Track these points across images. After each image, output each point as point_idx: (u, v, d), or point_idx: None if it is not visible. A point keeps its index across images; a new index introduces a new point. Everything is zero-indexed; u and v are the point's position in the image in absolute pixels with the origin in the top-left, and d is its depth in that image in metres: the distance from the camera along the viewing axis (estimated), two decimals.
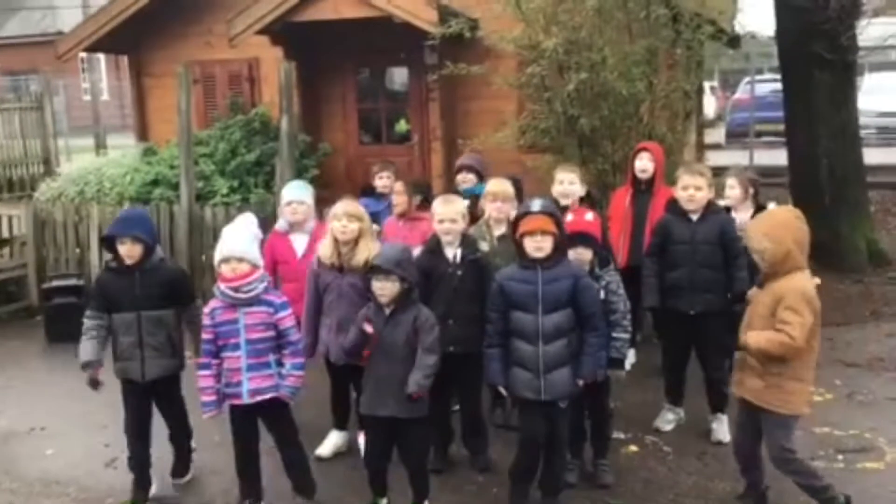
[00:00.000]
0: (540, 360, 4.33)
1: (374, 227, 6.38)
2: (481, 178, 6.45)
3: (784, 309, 4.05)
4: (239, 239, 4.49)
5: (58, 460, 5.52)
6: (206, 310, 4.49)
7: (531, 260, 4.37)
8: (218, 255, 4.45)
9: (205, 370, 4.48)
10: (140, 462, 4.93)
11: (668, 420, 5.63)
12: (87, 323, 4.85)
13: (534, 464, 4.57)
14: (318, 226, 5.63)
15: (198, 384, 4.51)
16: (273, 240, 5.64)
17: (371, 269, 4.34)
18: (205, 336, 4.48)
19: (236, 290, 4.39)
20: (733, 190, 5.92)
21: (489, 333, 4.51)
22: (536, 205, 4.42)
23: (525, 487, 4.62)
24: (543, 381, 4.34)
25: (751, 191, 5.96)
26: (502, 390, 4.53)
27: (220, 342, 4.45)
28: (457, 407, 5.31)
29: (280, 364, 4.48)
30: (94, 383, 4.88)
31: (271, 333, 4.45)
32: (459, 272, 4.91)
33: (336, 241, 4.98)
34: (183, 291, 4.90)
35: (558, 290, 4.34)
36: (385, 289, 4.28)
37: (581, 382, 4.44)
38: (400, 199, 5.90)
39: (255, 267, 4.45)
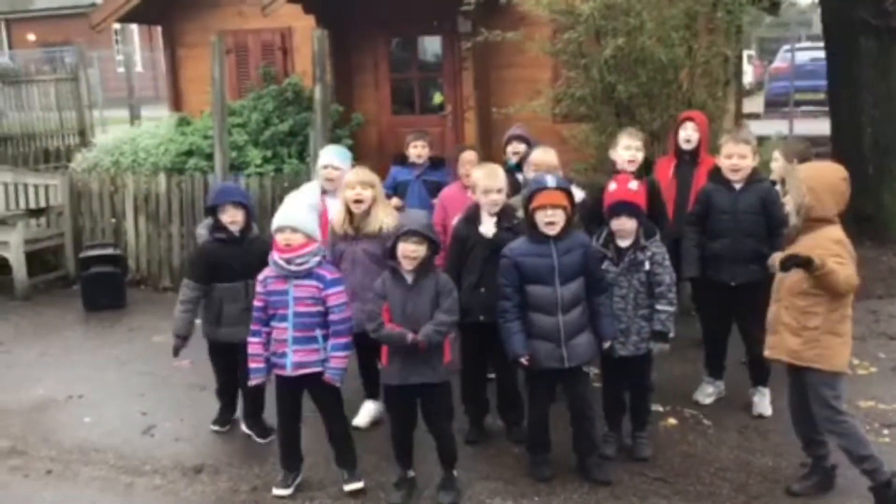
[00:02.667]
0: (561, 329, 4.41)
1: (395, 200, 6.37)
2: (530, 146, 6.37)
3: (827, 250, 3.96)
4: (295, 208, 4.47)
5: (95, 428, 5.57)
6: (260, 277, 4.49)
7: (543, 234, 4.40)
8: (274, 223, 4.44)
9: (255, 337, 4.49)
10: (228, 395, 5.37)
11: (707, 393, 5.54)
12: (187, 294, 5.09)
13: (544, 436, 4.68)
14: None
15: (248, 350, 4.52)
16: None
17: (403, 234, 4.27)
18: (256, 303, 4.49)
19: (288, 261, 4.36)
20: (776, 163, 5.78)
21: (505, 308, 4.52)
22: (551, 180, 4.46)
23: (544, 455, 4.71)
24: (566, 349, 4.42)
25: (794, 163, 5.81)
26: (524, 361, 4.52)
27: (269, 311, 4.44)
28: (492, 376, 5.26)
29: (326, 339, 4.44)
30: (177, 352, 5.19)
31: (319, 308, 4.41)
32: (494, 241, 4.83)
33: (349, 209, 4.99)
34: None
35: (572, 261, 4.43)
36: (417, 252, 4.26)
37: (607, 344, 4.55)
38: (471, 170, 5.75)
39: (310, 239, 4.40)
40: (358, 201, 4.96)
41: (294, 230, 4.36)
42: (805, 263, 3.91)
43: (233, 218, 5.03)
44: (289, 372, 4.43)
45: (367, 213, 4.97)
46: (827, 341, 4.09)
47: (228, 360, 5.20)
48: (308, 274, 4.40)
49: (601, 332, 4.52)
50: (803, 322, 4.10)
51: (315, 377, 4.45)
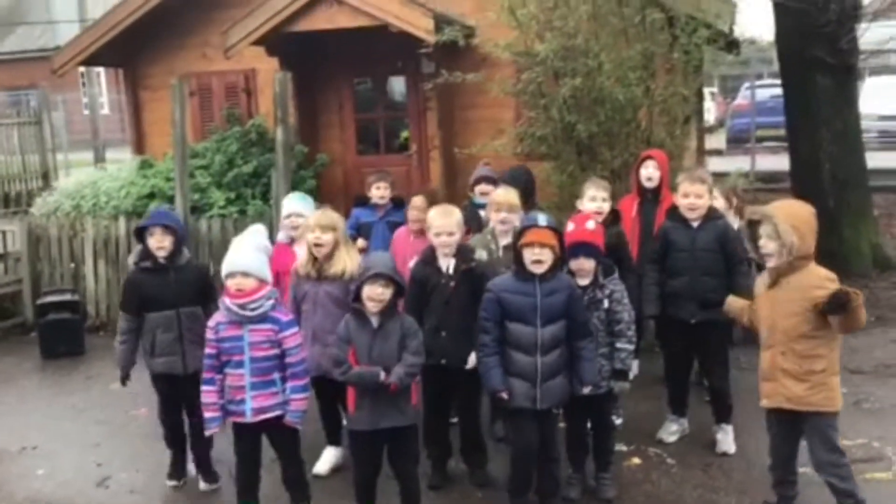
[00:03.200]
0: (538, 370, 4.38)
1: (360, 241, 6.34)
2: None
3: (825, 289, 3.94)
4: (245, 252, 4.37)
5: (49, 480, 5.42)
6: (210, 324, 4.38)
7: (529, 272, 4.36)
8: (223, 269, 4.35)
9: (208, 385, 4.36)
10: (177, 442, 5.20)
11: (671, 431, 5.51)
12: (123, 325, 5.04)
13: (529, 475, 4.57)
14: None
15: (201, 399, 4.40)
16: (277, 251, 5.59)
17: (370, 277, 4.22)
18: (208, 351, 4.37)
19: (242, 307, 4.27)
20: (716, 201, 5.86)
21: (484, 342, 4.47)
22: (542, 219, 4.45)
23: (525, 500, 4.60)
24: (540, 390, 4.39)
25: (734, 202, 5.93)
26: (504, 396, 4.45)
27: (223, 357, 4.34)
28: (455, 420, 5.20)
29: (284, 381, 4.35)
30: (124, 382, 5.15)
31: (276, 351, 4.32)
32: (452, 283, 4.82)
33: (311, 251, 4.95)
34: (211, 289, 4.96)
35: (556, 303, 4.40)
36: (384, 294, 4.21)
37: (587, 390, 4.48)
38: (419, 215, 5.72)
39: (262, 282, 4.32)
40: (318, 245, 4.93)
41: (245, 275, 4.27)
42: (847, 301, 3.81)
43: (160, 243, 4.87)
44: (248, 418, 4.33)
45: (331, 255, 4.94)
46: (832, 382, 4.08)
47: (169, 391, 5.08)
48: (262, 318, 4.31)
49: (581, 376, 4.47)
50: (807, 366, 4.04)
51: (274, 421, 4.36)
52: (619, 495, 4.79)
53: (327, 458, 5.28)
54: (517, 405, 4.43)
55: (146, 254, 4.95)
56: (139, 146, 11.50)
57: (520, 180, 6.07)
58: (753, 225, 4.29)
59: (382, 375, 4.17)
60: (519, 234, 4.49)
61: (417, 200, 5.87)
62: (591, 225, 4.68)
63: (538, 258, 4.34)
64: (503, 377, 4.43)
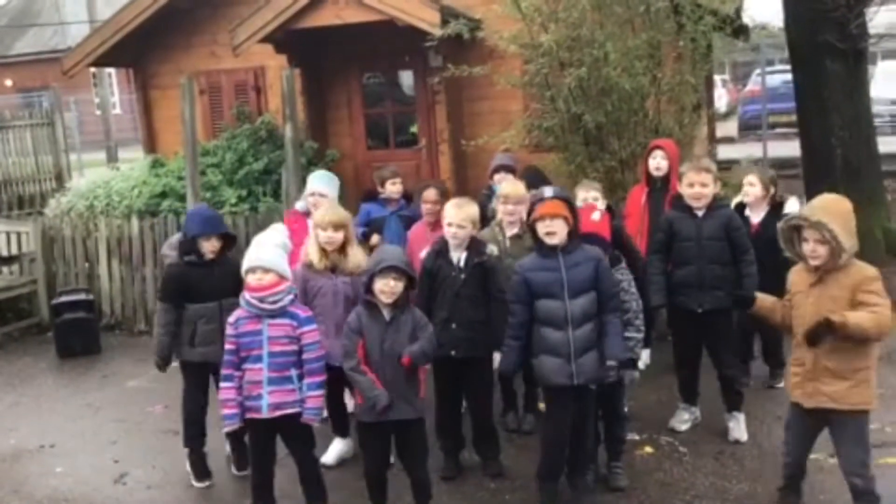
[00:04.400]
0: (571, 344, 4.31)
1: (375, 237, 6.37)
2: (517, 176, 6.42)
3: (866, 293, 3.90)
4: (266, 249, 4.47)
5: (67, 478, 5.48)
6: (230, 320, 4.43)
7: (550, 247, 4.34)
8: (245, 265, 4.43)
9: (227, 382, 4.40)
10: (195, 441, 5.21)
11: (683, 420, 5.52)
12: (163, 316, 5.10)
13: (561, 458, 4.52)
14: None
15: (219, 396, 4.45)
16: (290, 218, 5.67)
17: (382, 270, 4.23)
18: (227, 346, 4.41)
19: (262, 300, 4.34)
20: (754, 188, 5.84)
21: (510, 324, 4.48)
22: (549, 191, 4.43)
23: (554, 487, 4.57)
24: (575, 365, 4.32)
25: (771, 190, 5.90)
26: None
27: (242, 353, 4.39)
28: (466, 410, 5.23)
29: (301, 378, 4.40)
30: (163, 368, 5.22)
31: (294, 347, 4.37)
32: (463, 276, 4.85)
33: (321, 246, 4.99)
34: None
35: (581, 275, 4.34)
36: (396, 287, 4.23)
37: (613, 363, 4.38)
38: (433, 208, 5.77)
39: (281, 278, 4.40)
40: (329, 243, 4.97)
41: (266, 270, 4.36)
42: (830, 330, 3.82)
43: (214, 247, 5.04)
44: (265, 414, 4.36)
45: (343, 250, 4.98)
46: (872, 379, 4.05)
47: (201, 381, 5.15)
48: (282, 312, 4.38)
49: (607, 351, 4.36)
50: (853, 364, 3.98)
51: (289, 418, 4.40)
52: (631, 484, 4.80)
53: (335, 450, 5.32)
54: (554, 382, 4.39)
55: (190, 248, 5.05)
56: (150, 145, 11.58)
57: (532, 182, 6.06)
58: (795, 228, 4.07)
59: (384, 401, 4.19)
60: (530, 211, 4.47)
61: (430, 194, 5.89)
62: (595, 216, 4.69)
63: (550, 229, 4.31)
64: (518, 363, 4.45)
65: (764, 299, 4.43)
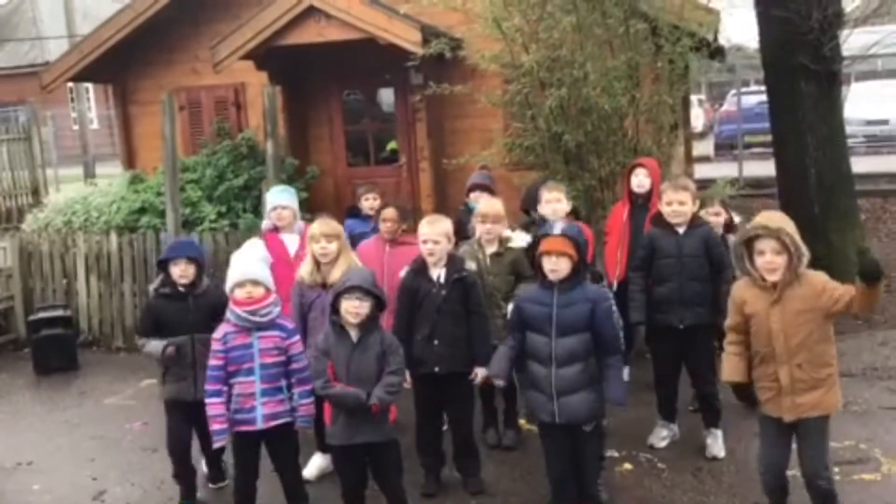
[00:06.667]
0: (552, 383, 4.28)
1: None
2: (493, 194, 6.46)
3: (831, 290, 3.95)
4: (252, 262, 4.54)
5: (45, 495, 5.43)
6: (217, 335, 4.44)
7: (549, 281, 4.33)
8: (231, 280, 4.45)
9: (215, 397, 4.40)
10: (186, 476, 5.10)
11: (661, 436, 5.56)
12: (142, 341, 5.07)
13: (566, 489, 4.48)
14: (305, 226, 5.59)
15: (207, 412, 4.44)
16: (267, 238, 5.71)
17: (346, 290, 4.25)
18: (214, 362, 4.42)
19: (253, 313, 4.37)
20: (719, 217, 5.96)
21: (507, 344, 4.51)
22: (557, 227, 4.39)
23: None
24: (557, 404, 4.29)
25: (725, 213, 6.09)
26: (497, 382, 4.52)
27: (230, 368, 4.40)
28: (446, 427, 5.24)
29: (290, 388, 4.45)
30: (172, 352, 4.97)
31: (283, 358, 4.44)
32: (444, 292, 4.88)
33: (316, 259, 5.02)
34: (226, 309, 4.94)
35: (573, 315, 4.27)
36: (361, 308, 4.23)
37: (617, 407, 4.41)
38: (392, 227, 5.83)
39: (269, 290, 4.46)
40: (324, 254, 5.02)
41: (255, 283, 4.41)
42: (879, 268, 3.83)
43: (183, 272, 4.95)
44: (259, 425, 4.39)
45: (333, 262, 5.03)
46: (838, 382, 4.11)
47: (180, 419, 5.02)
48: (271, 325, 4.42)
49: (608, 393, 4.32)
50: (823, 372, 4.03)
51: (275, 430, 4.43)
52: (610, 500, 4.82)
53: (315, 463, 5.33)
54: (538, 417, 4.43)
55: (166, 280, 5.02)
56: (129, 161, 11.53)
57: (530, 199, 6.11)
58: (749, 241, 4.05)
59: (364, 396, 4.19)
60: (536, 242, 4.47)
61: (389, 212, 5.93)
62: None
63: (554, 267, 4.27)
64: (506, 368, 4.47)
65: (735, 376, 4.27)
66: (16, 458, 6.02)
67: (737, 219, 6.20)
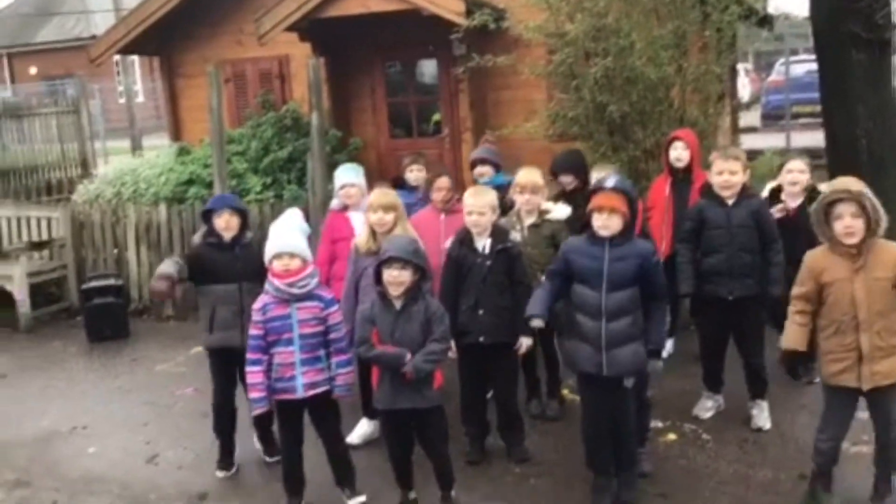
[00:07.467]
0: (602, 336, 4.26)
1: None
2: (498, 168, 6.47)
3: None
4: (290, 234, 4.56)
5: (100, 459, 5.60)
6: (257, 306, 4.50)
7: (599, 235, 4.29)
8: (269, 252, 4.50)
9: (255, 366, 4.47)
10: (225, 430, 5.22)
11: (706, 408, 5.56)
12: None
13: (602, 449, 4.49)
14: None
15: (248, 381, 4.53)
16: (332, 218, 5.82)
17: (385, 260, 4.29)
18: (253, 332, 4.49)
19: (291, 285, 4.43)
20: (804, 174, 5.78)
21: (543, 287, 4.50)
22: (611, 181, 4.30)
23: (604, 481, 4.51)
24: (605, 356, 4.28)
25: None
26: (535, 323, 4.46)
27: (270, 338, 4.47)
28: (490, 394, 5.29)
29: (329, 358, 4.52)
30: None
31: (321, 328, 4.49)
32: (489, 263, 4.91)
33: (372, 228, 5.10)
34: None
35: (624, 269, 4.25)
36: (401, 277, 4.27)
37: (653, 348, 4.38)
38: (446, 195, 5.83)
39: (306, 262, 4.50)
40: (381, 224, 5.09)
41: (292, 255, 4.45)
42: None
43: (227, 224, 5.04)
44: (299, 394, 4.47)
45: (390, 232, 5.09)
46: None
47: (226, 368, 5.12)
48: (309, 296, 4.48)
49: (648, 337, 4.34)
50: (894, 340, 4.02)
51: (317, 398, 4.51)
52: (654, 470, 4.85)
53: (360, 430, 5.42)
54: (582, 369, 4.40)
55: (211, 231, 5.12)
56: (176, 133, 11.70)
57: (570, 165, 6.05)
58: (828, 206, 4.02)
59: (407, 357, 4.23)
60: (588, 195, 4.43)
61: (443, 181, 5.95)
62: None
63: (605, 223, 4.22)
64: (545, 308, 4.41)
65: (798, 344, 4.28)
66: (71, 423, 6.20)
67: (823, 186, 5.99)
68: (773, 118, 17.98)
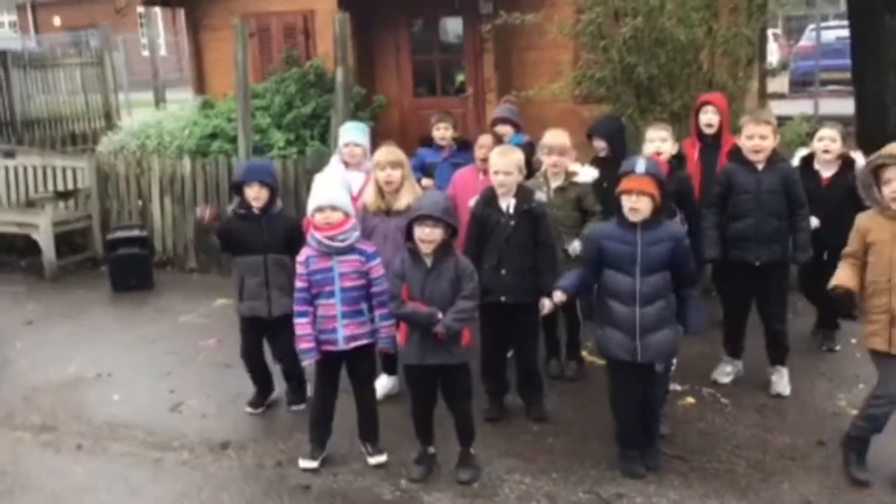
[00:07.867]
0: (637, 322, 4.27)
1: (426, 181, 6.42)
2: (518, 128, 6.43)
3: None
4: (332, 187, 4.58)
5: (124, 405, 5.69)
6: (300, 258, 4.56)
7: (629, 220, 4.28)
8: (311, 205, 4.53)
9: (302, 318, 4.54)
10: (262, 376, 5.44)
11: (726, 372, 5.57)
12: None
13: (633, 432, 4.51)
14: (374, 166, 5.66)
15: (296, 332, 4.59)
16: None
17: (417, 218, 4.30)
18: (299, 284, 4.55)
19: (332, 238, 4.46)
20: (835, 143, 5.70)
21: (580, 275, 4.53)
22: (640, 165, 4.27)
23: (633, 454, 4.53)
24: (640, 343, 4.29)
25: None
26: (559, 295, 4.55)
27: (313, 290, 4.53)
28: (510, 353, 5.32)
29: (371, 311, 4.57)
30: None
31: (363, 282, 4.53)
32: (513, 223, 4.90)
33: (380, 187, 5.11)
34: (298, 240, 5.01)
35: (657, 253, 4.25)
36: (432, 235, 4.27)
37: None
38: (487, 153, 5.75)
39: (347, 215, 4.52)
40: (388, 182, 5.11)
41: (334, 209, 4.47)
42: None
43: (256, 195, 5.11)
44: (341, 346, 4.53)
45: (397, 190, 5.13)
46: None
47: (255, 336, 5.32)
48: (350, 249, 4.52)
49: (688, 322, 4.38)
50: None
51: (357, 350, 4.58)
52: (672, 433, 4.88)
53: (380, 385, 5.44)
54: (615, 356, 4.38)
55: (243, 202, 5.19)
56: (200, 86, 11.69)
57: (604, 130, 5.95)
58: (876, 170, 4.10)
59: (438, 315, 4.27)
60: (617, 179, 4.38)
61: (485, 139, 5.93)
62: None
63: (634, 206, 4.21)
64: (574, 287, 4.47)
65: (847, 282, 4.28)
66: (96, 370, 6.29)
67: (858, 154, 5.84)
68: (802, 84, 17.74)
